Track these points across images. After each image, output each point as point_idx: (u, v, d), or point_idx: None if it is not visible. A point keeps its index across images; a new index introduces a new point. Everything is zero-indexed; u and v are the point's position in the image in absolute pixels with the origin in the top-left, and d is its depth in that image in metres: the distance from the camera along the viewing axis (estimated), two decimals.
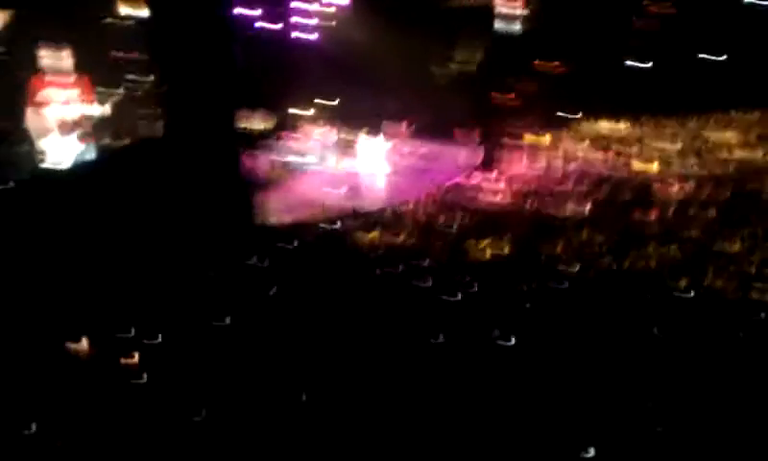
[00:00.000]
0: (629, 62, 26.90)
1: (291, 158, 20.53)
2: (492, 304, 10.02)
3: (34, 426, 7.03)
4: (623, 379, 8.03)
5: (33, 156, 11.63)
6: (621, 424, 7.28)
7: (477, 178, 17.90)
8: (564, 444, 6.93)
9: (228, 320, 9.33)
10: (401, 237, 13.27)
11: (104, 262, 11.12)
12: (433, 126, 22.70)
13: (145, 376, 8.08)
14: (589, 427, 7.18)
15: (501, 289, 10.56)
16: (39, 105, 11.57)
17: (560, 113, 22.55)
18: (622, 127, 21.27)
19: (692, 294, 10.17)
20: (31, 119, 11.57)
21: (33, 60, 11.54)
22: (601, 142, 19.85)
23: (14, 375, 7.74)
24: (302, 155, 20.69)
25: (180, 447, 6.98)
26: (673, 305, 9.91)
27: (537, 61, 26.66)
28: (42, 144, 11.69)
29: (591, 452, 6.75)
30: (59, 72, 11.80)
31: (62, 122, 11.86)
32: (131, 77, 13.02)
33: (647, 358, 8.47)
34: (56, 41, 11.58)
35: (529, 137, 21.02)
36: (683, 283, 10.60)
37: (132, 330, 8.93)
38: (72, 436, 6.96)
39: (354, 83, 22.85)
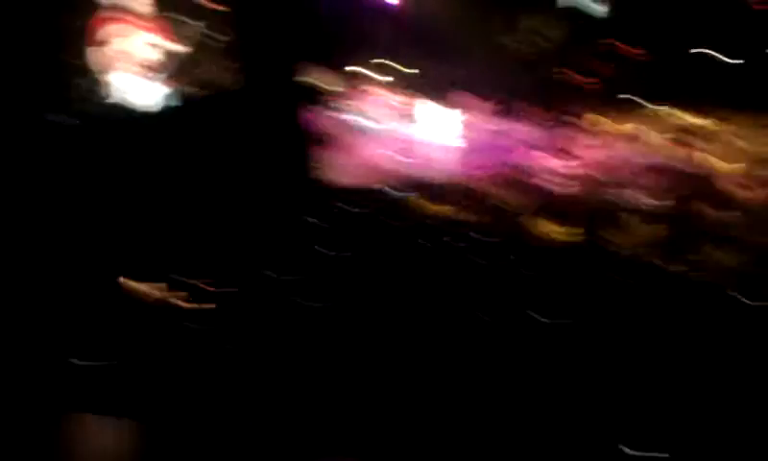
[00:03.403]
0: (716, 53, 26.01)
1: (358, 119, 20.50)
2: (549, 289, 9.91)
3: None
4: (676, 379, 7.89)
5: (106, 92, 11.78)
6: (671, 425, 7.17)
7: (546, 159, 17.63)
8: (606, 436, 6.86)
9: (288, 276, 9.40)
10: (465, 212, 13.17)
11: (166, 205, 11.26)
12: (506, 102, 22.38)
13: (202, 320, 8.22)
14: (634, 424, 7.10)
15: (560, 275, 10.43)
16: (104, 43, 11.67)
17: (637, 100, 21.97)
18: (700, 120, 20.62)
19: (755, 302, 9.88)
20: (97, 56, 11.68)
21: None
22: (677, 134, 19.28)
23: (84, 313, 7.94)
24: (370, 117, 20.64)
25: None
26: (734, 312, 9.66)
27: (618, 44, 26.03)
28: (119, 83, 11.83)
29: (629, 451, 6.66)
30: (139, 14, 11.90)
31: (145, 63, 12.00)
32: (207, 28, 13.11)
33: (705, 362, 8.30)
34: None
35: (603, 123, 20.54)
36: (746, 289, 10.31)
37: (194, 277, 9.07)
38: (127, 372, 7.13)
39: (429, 49, 22.64)
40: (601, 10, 26.57)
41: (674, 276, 10.79)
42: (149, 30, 12.04)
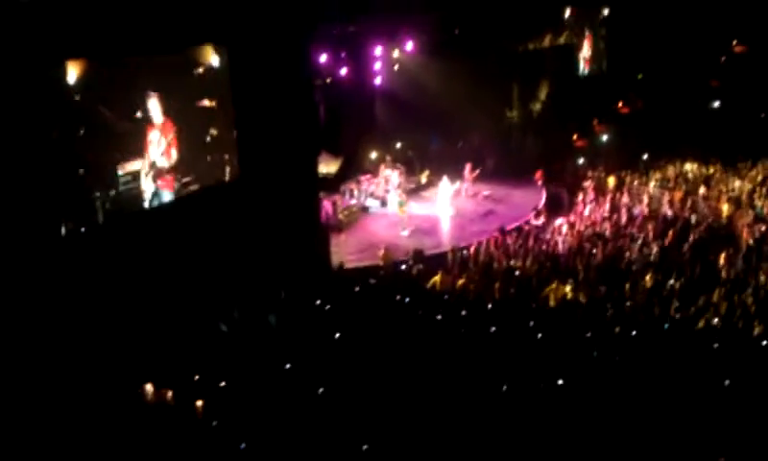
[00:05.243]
0: (703, 104, 26.47)
1: (363, 201, 20.71)
2: (556, 351, 9.81)
3: None
4: (693, 434, 7.75)
5: (109, 198, 11.88)
6: None
7: (542, 220, 17.71)
8: None
9: (289, 365, 9.34)
10: (463, 280, 13.15)
11: (174, 306, 11.23)
12: (500, 168, 22.64)
13: (211, 420, 8.15)
14: None
15: (566, 336, 10.33)
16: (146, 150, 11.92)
17: (628, 156, 22.26)
18: (692, 168, 20.81)
19: (766, 343, 9.81)
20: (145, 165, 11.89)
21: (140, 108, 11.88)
22: (671, 184, 19.45)
23: (84, 417, 7.85)
24: (374, 197, 20.86)
25: None
26: (745, 355, 9.57)
27: (608, 105, 26.48)
28: (137, 186, 11.97)
29: None
30: (153, 120, 12.15)
31: (149, 165, 12.16)
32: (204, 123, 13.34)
33: (717, 411, 8.17)
34: (152, 90, 11.93)
35: (596, 180, 20.73)
36: (756, 331, 10.24)
37: (198, 375, 9.02)
38: None
39: (425, 127, 23.05)
40: (595, 71, 27.19)
41: (677, 322, 10.73)
42: (163, 134, 12.28)
